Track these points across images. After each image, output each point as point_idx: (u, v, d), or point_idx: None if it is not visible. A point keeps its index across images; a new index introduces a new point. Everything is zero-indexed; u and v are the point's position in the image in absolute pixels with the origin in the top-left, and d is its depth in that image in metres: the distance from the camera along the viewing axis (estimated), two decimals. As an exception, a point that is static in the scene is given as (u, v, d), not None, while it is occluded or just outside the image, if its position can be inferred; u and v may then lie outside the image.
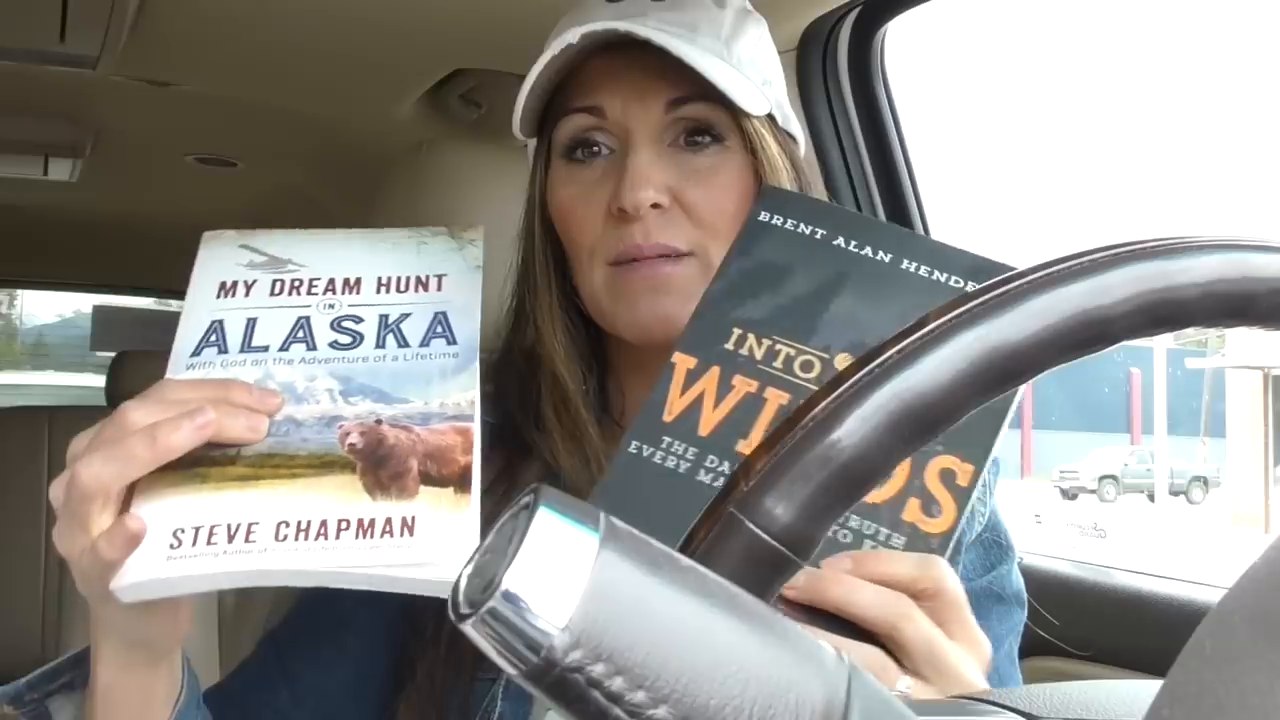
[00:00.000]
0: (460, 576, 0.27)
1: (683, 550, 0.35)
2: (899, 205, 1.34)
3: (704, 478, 0.59)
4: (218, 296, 0.66)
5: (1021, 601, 0.81)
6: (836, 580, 0.53)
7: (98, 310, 3.79)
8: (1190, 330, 0.36)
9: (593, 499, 0.58)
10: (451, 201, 1.13)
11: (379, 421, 0.59)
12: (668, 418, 0.61)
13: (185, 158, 2.08)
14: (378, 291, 0.67)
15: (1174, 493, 16.77)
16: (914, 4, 1.27)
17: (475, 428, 0.59)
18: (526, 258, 0.81)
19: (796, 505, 0.34)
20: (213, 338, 0.64)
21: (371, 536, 0.54)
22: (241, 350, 0.63)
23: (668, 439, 0.60)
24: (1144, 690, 0.43)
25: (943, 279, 0.62)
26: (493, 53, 1.39)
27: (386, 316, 0.66)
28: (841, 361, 0.60)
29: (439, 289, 0.68)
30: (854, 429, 0.34)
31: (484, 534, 0.28)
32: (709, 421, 0.60)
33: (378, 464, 0.57)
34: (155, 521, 0.55)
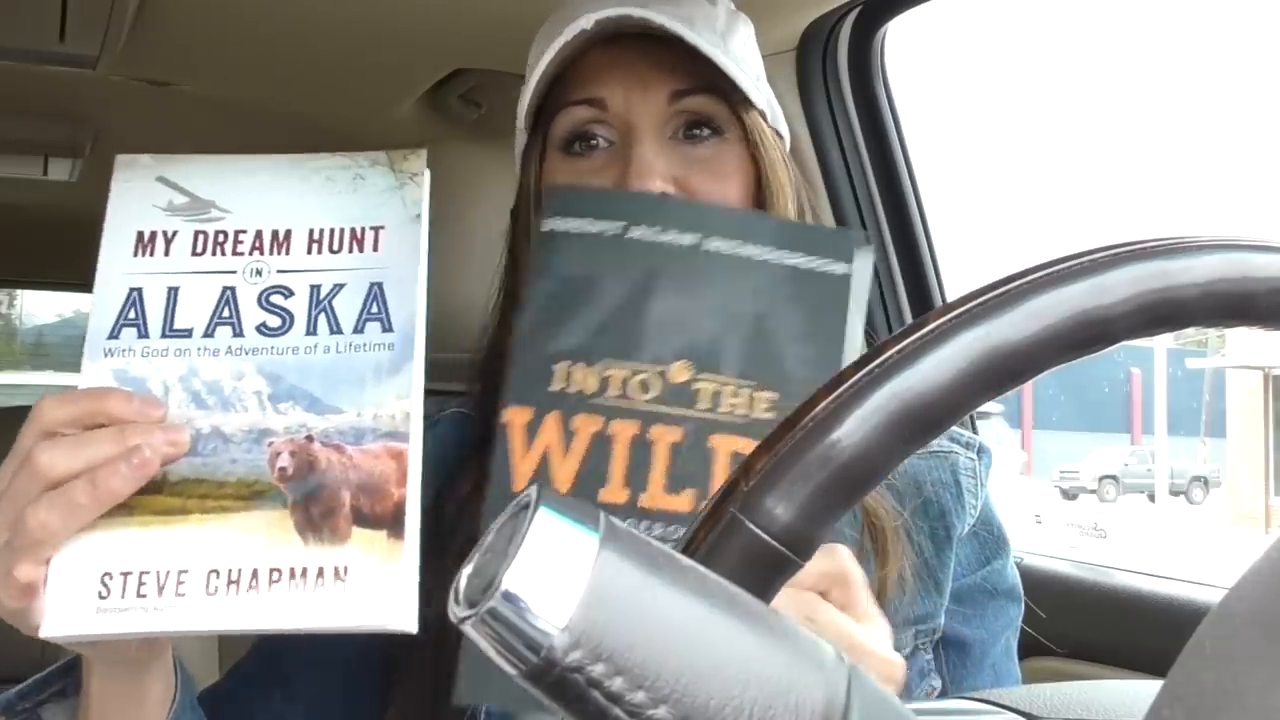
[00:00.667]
0: (460, 577, 0.27)
1: (683, 551, 0.35)
2: (899, 205, 1.34)
3: None
4: (136, 253, 0.60)
5: (1018, 597, 0.81)
6: None
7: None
8: (1190, 330, 0.36)
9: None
10: (451, 201, 1.13)
11: (309, 438, 0.56)
12: (518, 488, 0.55)
13: (185, 158, 2.08)
14: (309, 250, 0.61)
15: (1174, 493, 16.77)
16: (914, 4, 1.27)
17: (411, 450, 0.55)
18: (516, 251, 0.80)
19: (797, 505, 0.34)
20: (131, 313, 0.58)
21: (304, 588, 0.53)
22: (164, 334, 0.58)
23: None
24: (1144, 690, 0.43)
25: (753, 253, 0.58)
26: (493, 53, 1.39)
27: (318, 289, 0.60)
28: (679, 372, 0.56)
29: (375, 248, 0.61)
30: (854, 429, 0.34)
31: (474, 547, 0.28)
32: (564, 477, 0.56)
33: (309, 496, 0.55)
34: (80, 561, 0.52)
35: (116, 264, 0.60)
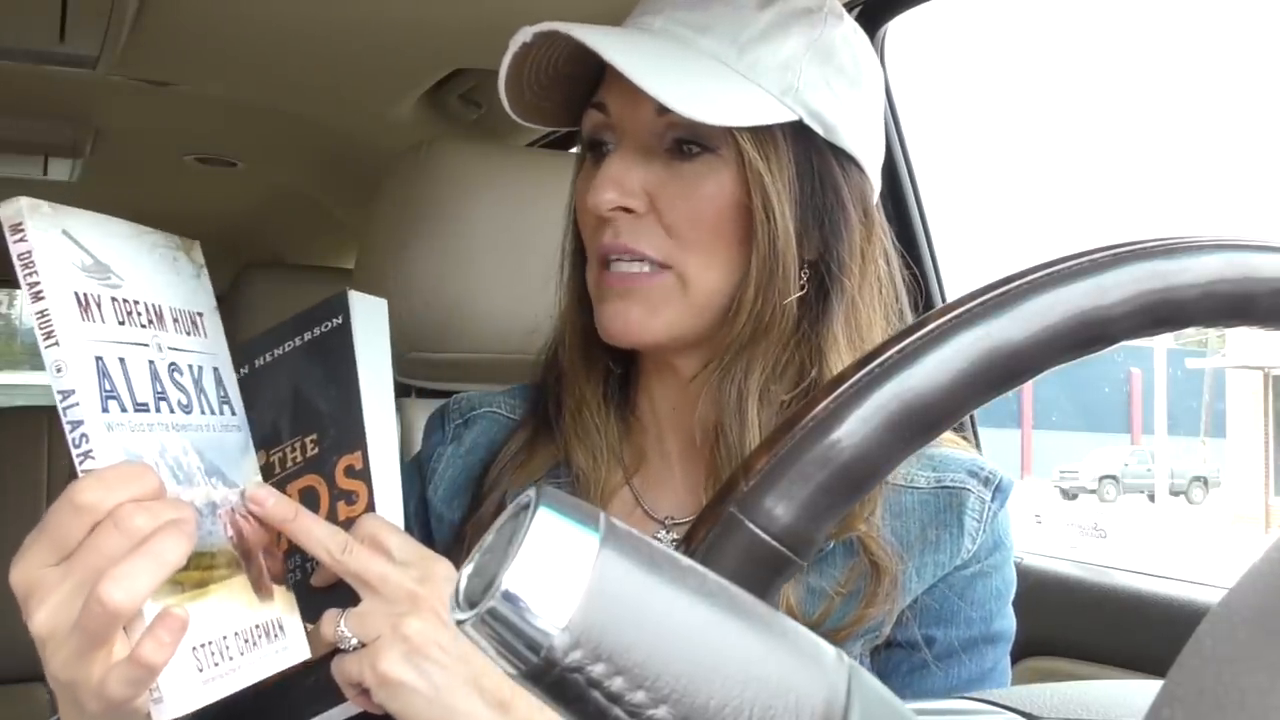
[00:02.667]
0: (460, 577, 0.27)
1: (683, 550, 0.35)
2: (899, 205, 1.34)
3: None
4: (81, 317, 0.57)
5: (1003, 638, 0.78)
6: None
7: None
8: (1190, 330, 0.36)
9: None
10: (451, 201, 1.13)
11: (232, 510, 0.62)
12: None
13: (185, 158, 2.08)
14: (176, 328, 0.63)
15: (1174, 493, 16.77)
16: (914, 4, 1.27)
17: (252, 521, 0.63)
18: (561, 250, 0.82)
19: (796, 505, 0.34)
20: (107, 384, 0.57)
21: (269, 641, 0.61)
22: (135, 408, 0.58)
23: None
24: (1144, 690, 0.43)
25: (279, 352, 0.73)
26: (493, 53, 1.38)
27: (194, 369, 0.63)
28: (261, 457, 0.69)
29: (204, 333, 0.66)
30: (854, 429, 0.34)
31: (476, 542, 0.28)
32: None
33: (247, 560, 0.62)
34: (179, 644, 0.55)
35: (72, 327, 0.56)
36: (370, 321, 0.73)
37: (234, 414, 0.66)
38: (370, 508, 0.67)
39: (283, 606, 0.63)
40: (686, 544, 0.35)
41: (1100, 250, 0.35)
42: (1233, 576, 0.25)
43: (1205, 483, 17.18)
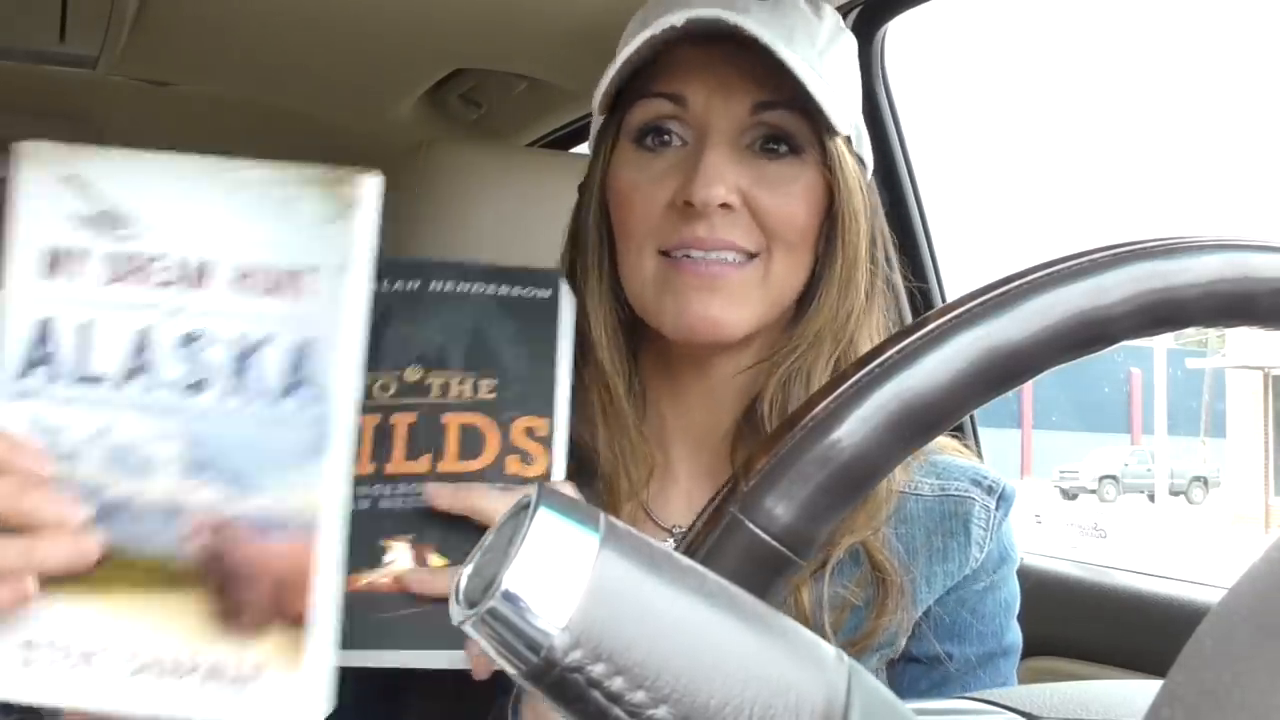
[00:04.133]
0: (460, 577, 0.27)
1: (683, 550, 0.35)
2: (899, 205, 1.34)
3: (385, 505, 0.63)
4: (44, 274, 0.52)
5: (1011, 650, 0.79)
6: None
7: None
8: (1190, 330, 0.36)
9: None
10: (451, 201, 1.13)
11: (229, 520, 0.51)
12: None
13: (185, 158, 2.08)
14: (234, 288, 0.53)
15: (1174, 493, 16.76)
16: (914, 4, 1.27)
17: (321, 550, 0.50)
18: (579, 239, 0.78)
19: (797, 506, 0.34)
20: (41, 350, 0.51)
21: (219, 683, 0.50)
22: (78, 379, 0.51)
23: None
24: (1144, 690, 0.43)
25: (470, 289, 0.70)
26: (493, 53, 1.39)
27: (245, 342, 0.52)
28: (411, 374, 0.67)
29: (305, 295, 0.52)
30: (854, 429, 0.34)
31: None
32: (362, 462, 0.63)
33: (227, 584, 0.50)
34: (3, 627, 0.50)
35: (24, 285, 0.51)
36: (569, 313, 0.70)
37: (315, 402, 0.51)
38: (548, 476, 0.65)
39: (277, 655, 0.50)
40: (686, 544, 0.35)
41: (1100, 250, 0.35)
42: (1233, 576, 0.25)
43: (1205, 483, 17.18)
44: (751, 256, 0.72)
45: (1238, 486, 13.47)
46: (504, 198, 1.15)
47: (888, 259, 0.80)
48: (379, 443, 0.65)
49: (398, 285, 0.70)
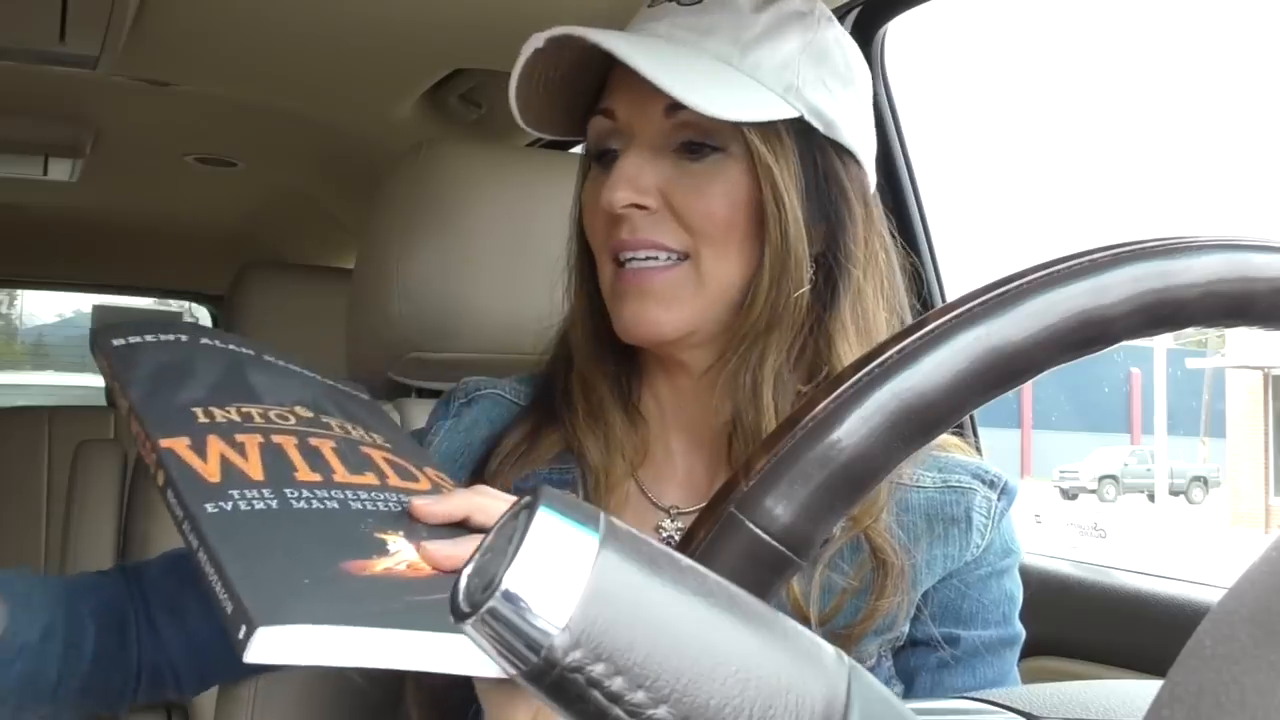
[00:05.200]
0: (460, 576, 0.27)
1: (683, 550, 0.35)
2: (899, 205, 1.34)
3: (301, 505, 0.56)
4: None
5: (1014, 641, 0.80)
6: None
7: (98, 310, 3.79)
8: (1190, 330, 0.36)
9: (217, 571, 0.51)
10: (451, 201, 1.13)
11: None
12: (213, 479, 0.55)
13: (185, 158, 2.08)
14: None
15: (1174, 493, 16.75)
16: (914, 4, 1.27)
17: None
18: (568, 253, 0.83)
19: (796, 505, 0.34)
20: None
21: None
22: None
23: (234, 491, 0.54)
24: (1144, 690, 0.43)
25: (293, 367, 0.69)
26: (493, 53, 1.39)
27: None
28: (302, 412, 0.63)
29: None
30: (854, 429, 0.34)
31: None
32: (253, 469, 0.57)
33: None
34: None
35: None
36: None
37: None
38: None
39: None
40: (686, 544, 0.35)
41: (1100, 250, 0.35)
42: (1233, 576, 0.25)
43: (1205, 483, 17.17)
44: (684, 258, 0.74)
45: (1238, 486, 13.47)
46: (504, 198, 1.15)
47: (882, 246, 0.80)
48: (311, 458, 0.59)
49: (231, 346, 0.68)
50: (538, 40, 0.73)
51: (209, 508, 0.53)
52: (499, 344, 1.15)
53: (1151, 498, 16.16)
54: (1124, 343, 0.35)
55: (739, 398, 0.75)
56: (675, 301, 0.74)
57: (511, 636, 0.25)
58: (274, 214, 2.66)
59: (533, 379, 0.88)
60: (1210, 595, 1.08)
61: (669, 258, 0.74)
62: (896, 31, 1.32)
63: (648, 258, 0.74)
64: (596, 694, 0.25)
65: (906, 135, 1.36)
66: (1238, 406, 13.54)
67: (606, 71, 0.77)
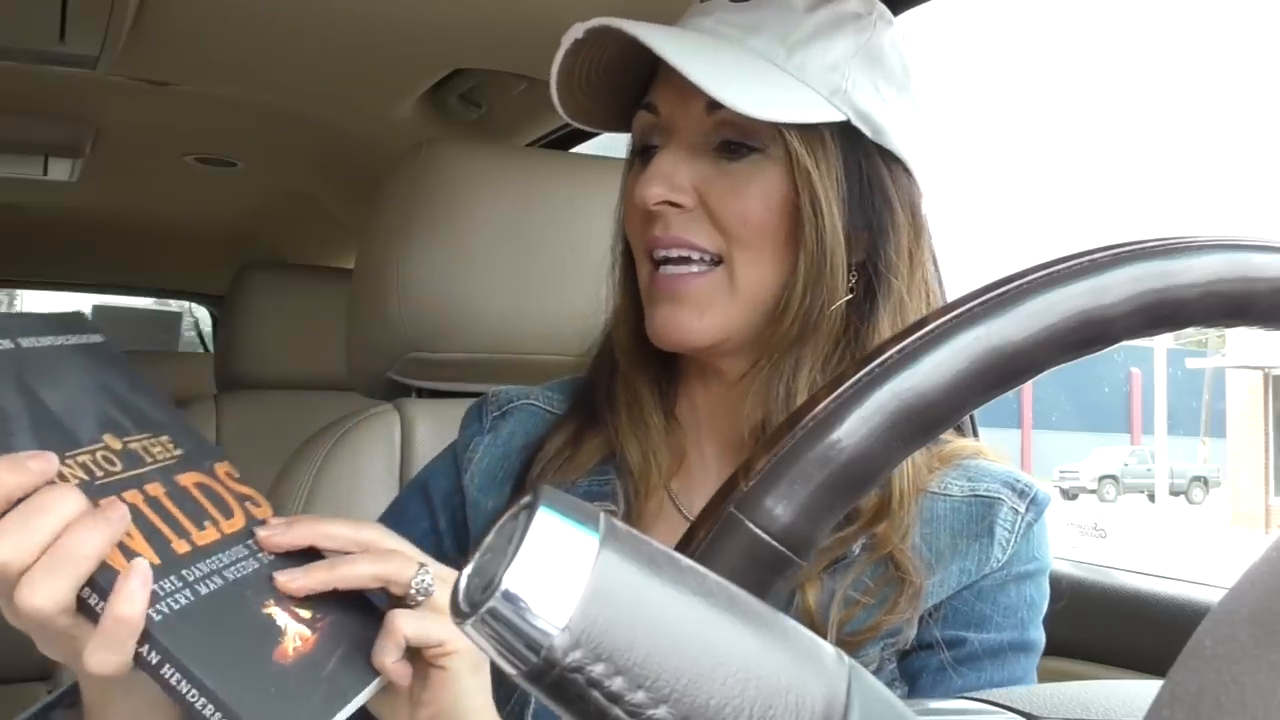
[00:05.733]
0: (460, 577, 0.27)
1: (682, 550, 0.35)
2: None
3: (205, 589, 0.56)
4: None
5: (1031, 648, 0.78)
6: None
7: (98, 310, 3.80)
8: (1190, 330, 0.36)
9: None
10: (451, 201, 1.13)
11: None
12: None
13: (185, 158, 2.08)
14: None
15: (1174, 493, 16.76)
16: (914, 4, 1.27)
17: None
18: (612, 253, 0.82)
19: (796, 505, 0.34)
20: None
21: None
22: None
23: (153, 587, 0.52)
24: (1144, 690, 0.43)
25: (48, 342, 0.61)
26: (493, 53, 1.39)
27: None
28: (113, 441, 0.58)
29: None
30: (854, 429, 0.34)
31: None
32: (146, 550, 0.54)
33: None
34: None
35: None
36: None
37: None
38: (272, 513, 0.63)
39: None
40: (686, 544, 0.35)
41: (1100, 250, 0.35)
42: (1233, 576, 0.25)
43: (1205, 483, 17.17)
44: (717, 261, 0.73)
45: (1238, 486, 13.46)
46: (504, 197, 1.15)
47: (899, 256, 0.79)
48: (165, 519, 0.57)
49: (5, 343, 0.59)
50: (577, 31, 0.72)
51: (154, 614, 0.52)
52: (499, 344, 1.15)
53: (1151, 498, 16.16)
54: (1124, 343, 0.35)
55: (771, 408, 0.74)
56: (708, 308, 0.73)
57: (511, 636, 0.25)
58: (274, 214, 2.66)
59: (564, 385, 0.88)
60: (1210, 595, 1.08)
61: (702, 260, 0.73)
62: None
63: (681, 259, 0.73)
64: (596, 694, 0.25)
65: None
66: (1238, 406, 13.54)
67: (654, 66, 0.75)
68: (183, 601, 0.54)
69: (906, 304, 0.75)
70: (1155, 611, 1.10)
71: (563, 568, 0.25)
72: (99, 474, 0.56)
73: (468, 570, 0.27)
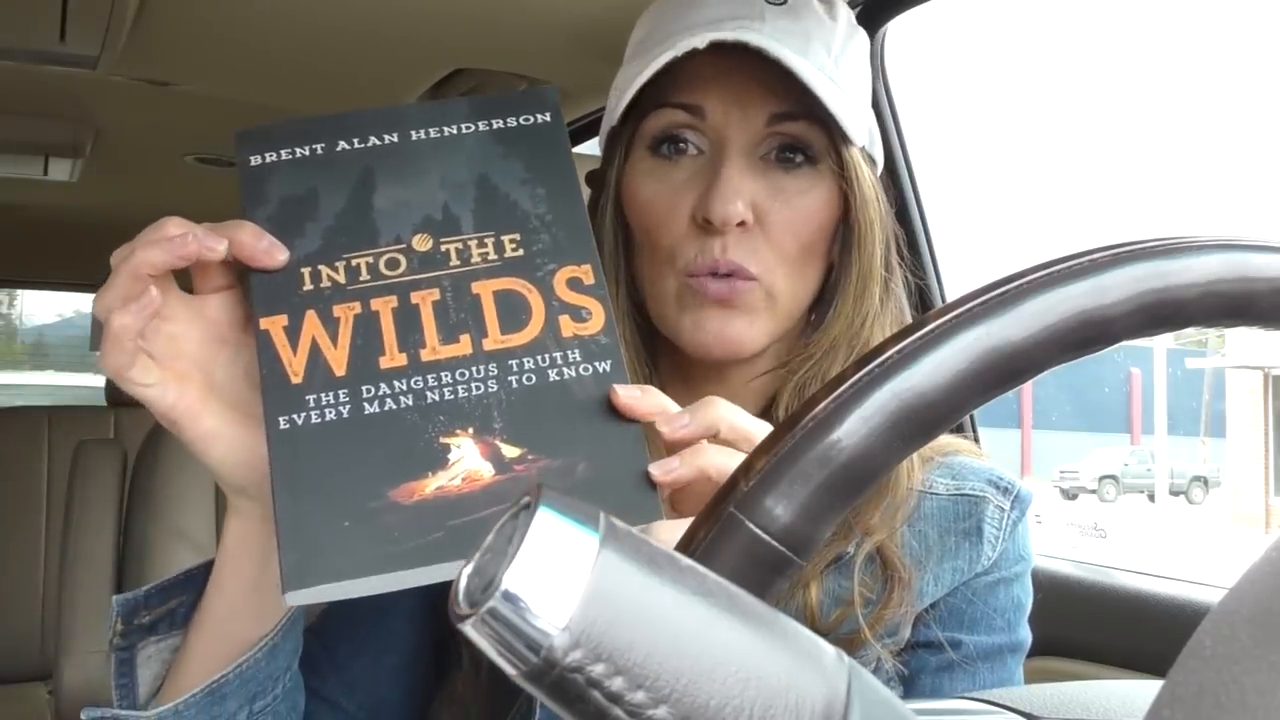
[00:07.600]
0: (460, 576, 0.27)
1: (683, 550, 0.35)
2: (899, 205, 1.34)
3: (374, 409, 0.55)
4: None
5: (1019, 647, 0.79)
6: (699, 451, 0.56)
7: (97, 310, 3.79)
8: (1190, 330, 0.36)
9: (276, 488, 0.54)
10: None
11: None
12: (296, 380, 0.56)
13: (185, 158, 2.08)
14: None
15: (1174, 493, 16.77)
16: (914, 4, 1.27)
17: None
18: (611, 243, 0.78)
19: (796, 505, 0.34)
20: None
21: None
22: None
23: (310, 397, 0.55)
24: (1144, 690, 0.43)
25: (457, 130, 0.63)
26: (493, 53, 1.39)
27: None
28: (421, 243, 0.59)
29: None
30: (854, 429, 0.34)
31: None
32: (338, 360, 0.57)
33: None
34: None
35: None
36: (566, 133, 0.64)
37: None
38: (609, 328, 0.59)
39: None
40: (686, 544, 0.35)
41: (1100, 250, 0.35)
42: (1233, 576, 0.25)
43: (1205, 483, 17.17)
44: (753, 279, 0.72)
45: (1238, 486, 13.47)
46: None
47: (902, 260, 0.80)
48: (404, 328, 0.57)
49: (372, 140, 0.62)
50: (699, 42, 0.69)
51: (282, 422, 0.55)
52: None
53: (1151, 498, 16.16)
54: (1124, 343, 0.35)
55: (782, 404, 0.74)
56: (756, 317, 0.72)
57: (511, 637, 0.25)
58: (274, 214, 2.65)
59: None
60: (1210, 595, 1.08)
61: (745, 280, 0.71)
62: (897, 31, 1.32)
63: (731, 274, 0.71)
64: (596, 694, 0.25)
65: (907, 135, 1.36)
66: (1238, 406, 13.54)
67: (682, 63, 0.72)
68: (329, 416, 0.55)
69: (897, 309, 0.77)
70: (1155, 611, 1.10)
71: (563, 568, 0.25)
72: (364, 277, 0.58)
73: (468, 570, 0.27)
